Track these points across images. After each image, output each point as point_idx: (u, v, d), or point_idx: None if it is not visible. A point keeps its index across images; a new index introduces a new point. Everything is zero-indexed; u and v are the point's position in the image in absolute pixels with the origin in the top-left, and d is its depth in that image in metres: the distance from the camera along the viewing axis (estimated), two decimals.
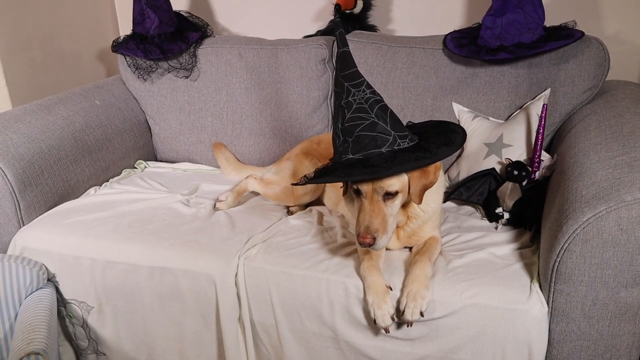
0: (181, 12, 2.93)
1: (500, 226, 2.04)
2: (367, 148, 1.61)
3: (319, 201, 2.37)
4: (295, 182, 1.81)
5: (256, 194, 2.46)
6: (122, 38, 2.87)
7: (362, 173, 1.58)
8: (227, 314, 1.92)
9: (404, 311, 1.65)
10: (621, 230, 1.46)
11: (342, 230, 2.08)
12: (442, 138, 1.68)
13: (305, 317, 1.84)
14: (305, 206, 2.37)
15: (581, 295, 1.55)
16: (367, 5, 2.73)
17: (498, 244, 1.91)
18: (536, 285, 1.66)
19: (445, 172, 2.39)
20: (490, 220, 2.10)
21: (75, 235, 2.13)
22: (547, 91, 2.23)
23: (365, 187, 1.64)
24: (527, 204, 2.01)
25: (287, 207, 2.35)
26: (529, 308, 1.60)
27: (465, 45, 2.37)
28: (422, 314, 1.64)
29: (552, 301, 1.60)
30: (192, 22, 2.93)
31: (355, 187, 1.67)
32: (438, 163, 1.69)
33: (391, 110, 1.65)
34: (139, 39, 2.81)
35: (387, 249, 1.91)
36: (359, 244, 1.64)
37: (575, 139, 1.97)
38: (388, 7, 2.86)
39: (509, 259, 1.81)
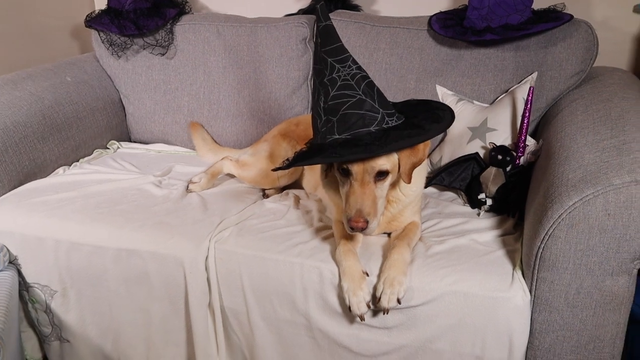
0: None
1: (482, 212, 1.97)
2: (354, 127, 1.51)
3: (296, 184, 2.29)
4: (277, 167, 1.69)
5: (232, 176, 2.37)
6: (96, 12, 2.75)
7: (355, 152, 1.48)
8: (196, 300, 1.83)
9: (380, 298, 1.57)
10: (608, 216, 1.39)
11: (318, 215, 2.00)
12: (431, 115, 1.60)
13: (277, 303, 1.76)
14: (282, 189, 2.28)
15: (565, 284, 1.49)
16: None
17: (480, 230, 1.84)
18: (519, 273, 1.59)
19: (428, 156, 2.31)
20: (473, 207, 2.03)
21: (39, 215, 2.02)
22: (534, 74, 2.16)
23: (355, 168, 1.54)
24: (510, 190, 1.94)
25: (263, 190, 2.26)
26: (511, 296, 1.54)
27: (451, 26, 2.29)
28: (399, 301, 1.56)
29: (535, 289, 1.53)
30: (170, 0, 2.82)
31: (345, 166, 1.57)
32: (427, 140, 1.61)
33: (377, 87, 1.56)
34: (114, 14, 2.70)
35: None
36: (350, 229, 1.55)
37: (561, 123, 1.90)
38: None
39: (491, 245, 1.74)
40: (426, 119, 1.58)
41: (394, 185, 1.70)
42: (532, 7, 2.21)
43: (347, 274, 1.61)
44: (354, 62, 1.54)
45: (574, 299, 1.50)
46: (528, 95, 1.95)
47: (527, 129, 1.96)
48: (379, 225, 1.79)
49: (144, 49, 2.71)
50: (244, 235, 1.86)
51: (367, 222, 1.52)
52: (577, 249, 1.44)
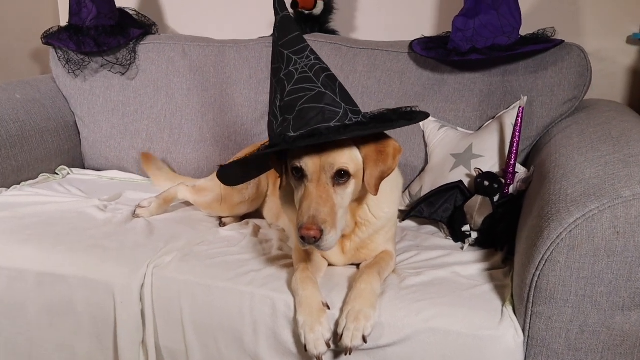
0: (127, 9, 2.64)
1: (466, 246, 1.72)
2: (312, 123, 1.28)
3: (257, 214, 2.04)
4: (222, 165, 1.46)
5: (189, 205, 2.11)
6: (55, 29, 2.56)
7: (307, 142, 1.26)
8: (127, 336, 1.54)
9: (342, 335, 1.30)
10: (617, 234, 1.15)
11: (279, 243, 1.74)
12: (401, 113, 1.38)
13: (222, 341, 1.47)
14: (242, 218, 2.02)
15: (566, 320, 1.23)
16: (329, 8, 2.47)
17: (463, 263, 1.59)
18: (509, 309, 1.34)
19: (406, 189, 2.08)
20: (456, 240, 1.78)
21: None
22: (524, 98, 1.95)
23: (311, 165, 1.31)
24: (498, 221, 1.71)
25: (220, 218, 2.00)
26: (500, 335, 1.27)
27: (434, 49, 2.11)
28: (365, 339, 1.29)
29: (529, 328, 1.27)
30: (137, 21, 2.64)
31: (298, 165, 1.33)
32: (398, 146, 1.38)
33: (340, 82, 1.36)
34: (74, 31, 2.51)
35: (329, 264, 1.58)
36: (301, 240, 1.28)
37: (555, 146, 1.69)
38: (352, 13, 2.61)
39: (476, 279, 1.49)
40: (396, 115, 1.36)
41: (360, 201, 1.46)
42: (520, 33, 2.05)
43: (304, 306, 1.34)
44: (312, 52, 1.35)
45: (577, 340, 1.23)
46: (518, 115, 1.75)
47: (516, 152, 1.76)
48: (346, 253, 1.55)
49: (103, 67, 2.51)
50: (188, 260, 1.59)
51: (321, 231, 1.26)
52: (579, 277, 1.19)
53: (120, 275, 1.54)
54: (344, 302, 1.36)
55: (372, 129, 1.29)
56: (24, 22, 2.94)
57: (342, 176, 1.32)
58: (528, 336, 1.27)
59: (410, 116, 1.35)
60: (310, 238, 1.26)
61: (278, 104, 1.35)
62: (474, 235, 1.74)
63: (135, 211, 1.98)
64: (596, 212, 1.16)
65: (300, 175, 1.34)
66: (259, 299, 1.43)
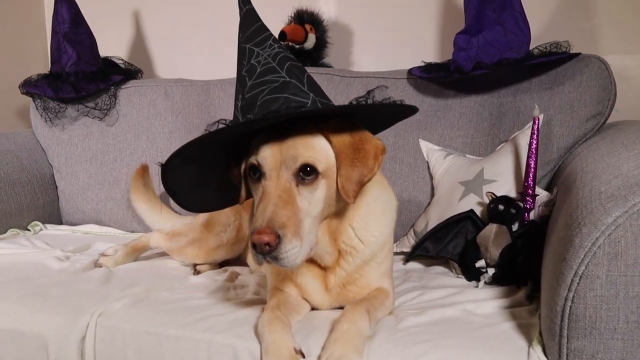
0: (112, 59, 2.50)
1: (482, 284, 1.42)
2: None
3: (240, 262, 1.76)
4: (162, 163, 1.20)
5: (165, 255, 1.84)
6: (34, 77, 2.42)
7: (258, 123, 1.06)
8: None
9: None
10: None
11: (256, 288, 1.46)
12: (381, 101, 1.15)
13: None
14: (220, 266, 1.75)
15: (617, 358, 0.91)
16: (322, 42, 2.29)
17: (478, 300, 1.29)
18: (538, 349, 1.02)
19: (411, 227, 1.80)
20: (469, 279, 1.48)
21: None
22: (541, 115, 1.68)
23: (270, 159, 1.08)
24: (519, 253, 1.41)
25: (194, 266, 1.72)
26: None
27: (434, 71, 1.90)
28: None
29: None
30: (122, 69, 2.49)
31: (255, 162, 1.09)
32: (381, 144, 1.13)
33: (310, 74, 1.14)
34: (53, 78, 2.37)
35: (312, 308, 1.28)
36: (253, 249, 1.01)
37: (581, 159, 1.41)
38: (348, 48, 2.43)
39: (494, 318, 1.18)
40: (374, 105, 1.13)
41: (341, 219, 1.19)
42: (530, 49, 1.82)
43: (271, 353, 1.04)
44: (276, 40, 1.16)
45: None
46: (533, 125, 1.49)
47: (535, 170, 1.48)
48: (330, 291, 1.26)
49: (79, 112, 2.36)
50: (141, 307, 1.31)
51: (278, 237, 0.99)
52: (629, 295, 0.88)
53: (55, 326, 1.27)
54: (323, 348, 1.06)
55: (342, 109, 1.05)
56: (12, 76, 2.80)
57: (308, 173, 1.06)
58: None
59: (393, 103, 1.11)
60: (263, 245, 0.98)
61: (239, 105, 1.14)
62: (491, 271, 1.43)
63: (98, 260, 1.72)
64: None
65: (258, 175, 1.09)
66: (218, 347, 1.13)
